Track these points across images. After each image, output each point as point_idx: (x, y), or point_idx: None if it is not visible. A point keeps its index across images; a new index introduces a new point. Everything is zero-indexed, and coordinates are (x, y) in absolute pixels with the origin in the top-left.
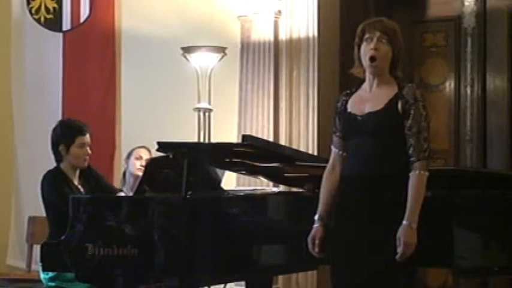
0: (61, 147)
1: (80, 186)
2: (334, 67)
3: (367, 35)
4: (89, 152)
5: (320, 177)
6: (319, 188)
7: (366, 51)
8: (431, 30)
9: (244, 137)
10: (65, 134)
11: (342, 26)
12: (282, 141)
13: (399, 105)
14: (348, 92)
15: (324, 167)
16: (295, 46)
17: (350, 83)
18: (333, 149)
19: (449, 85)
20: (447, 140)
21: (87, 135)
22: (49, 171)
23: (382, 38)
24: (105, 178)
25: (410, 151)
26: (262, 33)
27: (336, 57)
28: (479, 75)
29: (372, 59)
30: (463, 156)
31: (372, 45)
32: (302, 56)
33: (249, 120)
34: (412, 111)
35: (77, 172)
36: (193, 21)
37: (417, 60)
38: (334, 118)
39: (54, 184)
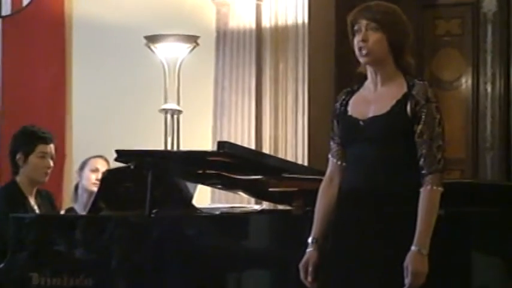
0: (18, 156)
1: (35, 207)
2: (328, 60)
3: (355, 27)
4: (51, 164)
5: (311, 193)
6: (311, 205)
7: (355, 45)
8: (444, 16)
9: (221, 144)
10: (24, 141)
11: (338, 10)
12: (266, 149)
13: (408, 107)
14: (349, 90)
15: (317, 180)
16: (281, 35)
17: (347, 80)
18: (331, 158)
19: (466, 82)
20: (464, 148)
21: (51, 145)
22: (2, 186)
23: (370, 25)
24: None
25: (422, 162)
26: (242, 19)
27: (330, 48)
28: (502, 69)
29: (361, 51)
30: (483, 167)
31: (359, 37)
32: (289, 46)
33: (226, 123)
34: (423, 115)
35: (34, 190)
36: (159, 4)
37: (428, 51)
38: (331, 121)
39: (6, 201)
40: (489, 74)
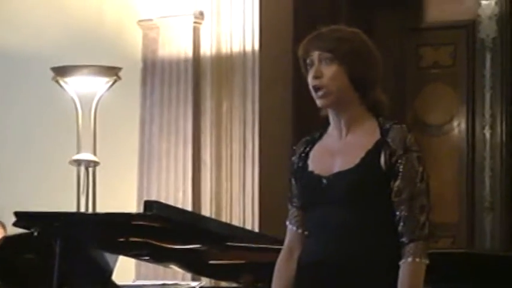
0: None
1: None
2: (284, 97)
3: (308, 61)
4: None
5: (264, 266)
6: (263, 281)
7: (309, 82)
8: (431, 42)
9: (148, 204)
10: None
11: (297, 35)
12: (206, 211)
13: (382, 159)
14: (309, 139)
15: (270, 250)
16: (225, 65)
17: (308, 122)
18: (289, 225)
19: (459, 125)
20: (456, 209)
21: None
22: None
23: (324, 56)
24: None
25: (401, 227)
26: (176, 45)
27: (286, 83)
28: (504, 110)
29: (316, 90)
30: (481, 233)
31: (312, 73)
32: (236, 80)
33: (155, 178)
34: (401, 167)
35: None
36: (72, 29)
37: (410, 87)
38: (289, 180)
39: None
40: (488, 115)
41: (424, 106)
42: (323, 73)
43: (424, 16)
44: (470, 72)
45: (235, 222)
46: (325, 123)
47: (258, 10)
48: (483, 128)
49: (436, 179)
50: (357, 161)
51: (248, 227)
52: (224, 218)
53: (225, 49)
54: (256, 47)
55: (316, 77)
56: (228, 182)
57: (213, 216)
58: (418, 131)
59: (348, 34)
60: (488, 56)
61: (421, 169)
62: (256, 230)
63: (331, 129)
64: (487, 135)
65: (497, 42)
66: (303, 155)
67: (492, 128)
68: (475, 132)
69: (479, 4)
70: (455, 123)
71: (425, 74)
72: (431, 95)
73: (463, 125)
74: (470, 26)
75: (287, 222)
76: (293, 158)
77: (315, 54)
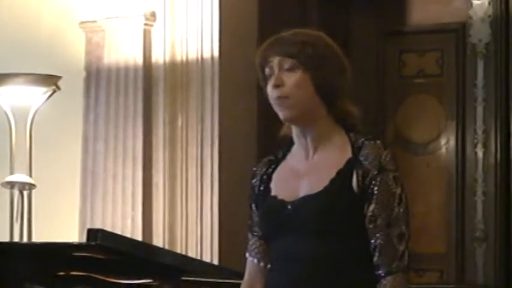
0: None
1: None
2: (248, 111)
3: (266, 70)
4: None
5: None
6: None
7: (269, 93)
8: (416, 48)
9: (92, 232)
10: None
11: (262, 41)
12: (159, 241)
13: (354, 180)
14: (272, 158)
15: (232, 286)
16: (180, 74)
17: (277, 140)
18: (249, 258)
19: (447, 143)
20: (444, 239)
21: None
22: None
23: (286, 62)
24: None
25: (376, 258)
26: (124, 51)
27: (251, 94)
28: (499, 125)
29: (278, 101)
30: (472, 266)
31: (271, 81)
32: (193, 91)
33: (99, 203)
34: (375, 189)
35: None
36: (3, 30)
37: (391, 99)
38: (249, 205)
39: None
40: (480, 131)
41: (407, 121)
42: (284, 81)
43: (406, 18)
44: (460, 82)
45: (192, 253)
46: (288, 142)
47: (218, 11)
48: (475, 146)
49: (420, 205)
50: (325, 183)
51: (206, 259)
52: (179, 249)
53: (180, 55)
54: (216, 53)
55: (276, 86)
56: (184, 208)
57: (167, 247)
58: (400, 149)
59: (312, 37)
60: (480, 64)
61: (398, 191)
62: (216, 262)
63: (296, 148)
64: (480, 154)
65: (490, 48)
66: (264, 177)
67: (485, 146)
68: (466, 151)
69: (471, 4)
70: (442, 141)
71: (408, 84)
72: (415, 107)
73: (452, 143)
74: (460, 30)
75: (247, 254)
76: (253, 181)
77: (275, 61)
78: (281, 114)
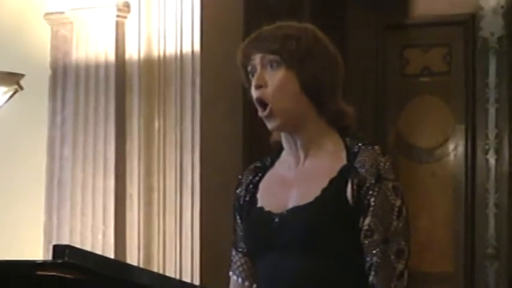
0: None
1: None
2: (233, 113)
3: (249, 67)
4: None
5: None
6: None
7: (252, 95)
8: (420, 43)
9: (58, 249)
10: None
11: (248, 35)
12: (133, 258)
13: (348, 190)
14: (258, 166)
15: None
16: (157, 72)
17: (265, 146)
18: (232, 276)
19: (455, 149)
20: (451, 256)
21: None
22: None
23: (268, 59)
24: None
25: (372, 277)
26: (94, 46)
27: (236, 94)
28: None
29: (261, 103)
30: (483, 286)
31: (254, 82)
32: (170, 91)
33: (67, 215)
34: (372, 200)
35: None
36: None
37: (393, 101)
38: (233, 218)
39: None
40: (492, 136)
41: (410, 125)
42: (267, 81)
43: (409, 9)
44: (469, 81)
45: (170, 272)
46: (278, 148)
47: (199, 1)
48: (486, 152)
49: (425, 218)
50: (317, 193)
51: (186, 278)
52: (156, 268)
53: (156, 51)
54: (197, 48)
55: (258, 87)
56: (161, 222)
57: (142, 265)
58: (402, 156)
59: (297, 30)
60: (492, 60)
61: (398, 202)
62: (197, 282)
63: (285, 155)
64: (491, 161)
65: (504, 43)
66: (250, 186)
67: (498, 152)
68: (476, 158)
69: None
70: (450, 147)
71: (412, 84)
72: (419, 110)
73: (461, 149)
74: (470, 22)
75: (230, 273)
76: (238, 191)
77: (257, 58)
78: (267, 124)
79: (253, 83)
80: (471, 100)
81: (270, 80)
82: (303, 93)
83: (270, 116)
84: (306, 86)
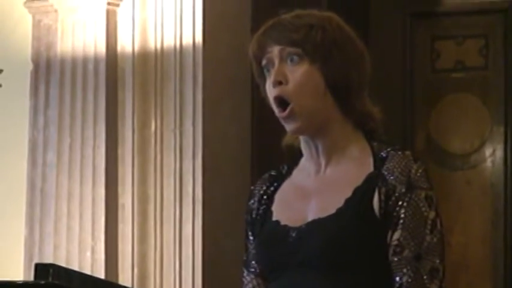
0: None
1: None
2: (240, 113)
3: (263, 62)
4: None
5: None
6: None
7: (268, 92)
8: (453, 35)
9: (41, 268)
10: None
11: (257, 25)
12: (126, 278)
13: (375, 200)
14: (274, 174)
15: None
16: (153, 67)
17: (277, 150)
18: None
19: (493, 155)
20: (489, 277)
21: None
22: None
23: (288, 53)
24: None
25: None
26: (82, 37)
27: (243, 92)
28: None
29: (281, 102)
30: None
31: (271, 78)
32: (169, 88)
33: (51, 230)
34: (402, 212)
35: None
36: None
37: (423, 99)
38: (245, 234)
39: None
40: None
41: (442, 126)
42: (288, 77)
43: None
44: (508, 77)
45: None
46: (295, 154)
47: None
48: None
49: (459, 233)
50: (339, 203)
51: None
52: (150, 287)
53: (153, 43)
54: (199, 40)
55: (278, 83)
56: (158, 236)
57: (136, 287)
58: (433, 162)
59: (320, 20)
60: None
61: (432, 215)
62: None
63: (304, 161)
64: None
65: None
66: (264, 197)
67: None
68: None
69: None
70: (487, 152)
71: (443, 80)
72: (452, 110)
73: (499, 154)
74: (510, 10)
75: None
76: (250, 203)
77: (274, 51)
78: (286, 126)
79: (271, 79)
80: (510, 99)
81: (291, 76)
82: (327, 91)
83: (291, 116)
84: (332, 83)
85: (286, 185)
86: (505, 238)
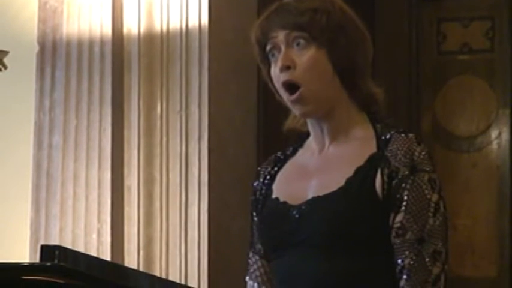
0: None
1: None
2: (246, 95)
3: (268, 47)
4: None
5: None
6: None
7: (275, 78)
8: (458, 16)
9: (47, 250)
10: None
11: (263, 7)
12: (132, 260)
13: (378, 182)
14: (279, 156)
15: None
16: (159, 49)
17: (281, 132)
18: (249, 282)
19: (499, 137)
20: (494, 259)
21: None
22: None
23: (294, 36)
24: None
25: (404, 281)
26: (88, 20)
27: (249, 74)
28: None
29: (290, 86)
30: None
31: (279, 63)
32: (174, 70)
33: (56, 212)
34: (405, 194)
35: None
36: None
37: (429, 82)
38: (250, 215)
39: None
40: None
41: (448, 109)
42: (295, 61)
43: None
44: None
45: (174, 277)
46: (301, 136)
47: None
48: None
49: (465, 216)
50: (341, 182)
51: (193, 284)
52: (158, 271)
53: (159, 26)
54: (205, 21)
55: (286, 67)
56: (164, 219)
57: (142, 269)
58: (439, 144)
59: (323, 3)
60: None
61: (435, 197)
62: None
63: (310, 141)
64: None
65: None
66: (267, 177)
67: None
68: None
69: None
70: (493, 134)
71: (450, 62)
72: (458, 92)
73: (505, 137)
74: None
75: (246, 278)
76: (255, 184)
77: (280, 36)
78: (296, 110)
79: (279, 64)
80: None
81: (299, 60)
82: (335, 74)
83: (301, 100)
84: (339, 66)
85: (289, 164)
86: (510, 220)
